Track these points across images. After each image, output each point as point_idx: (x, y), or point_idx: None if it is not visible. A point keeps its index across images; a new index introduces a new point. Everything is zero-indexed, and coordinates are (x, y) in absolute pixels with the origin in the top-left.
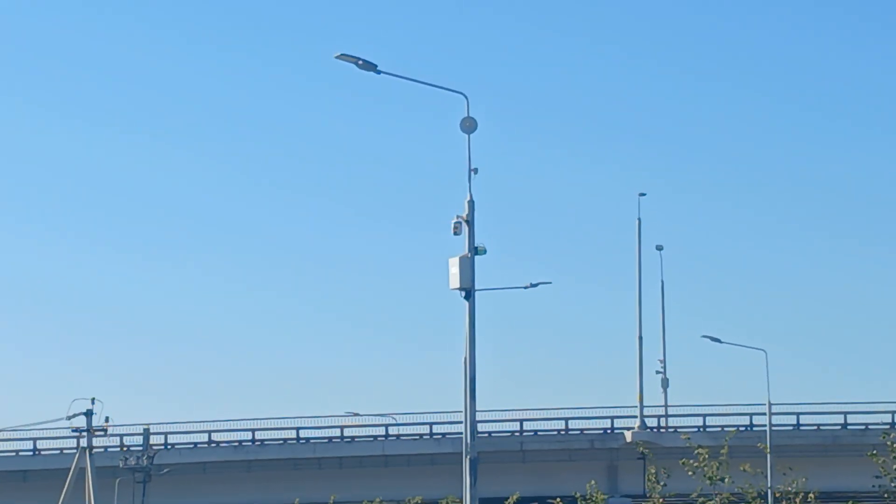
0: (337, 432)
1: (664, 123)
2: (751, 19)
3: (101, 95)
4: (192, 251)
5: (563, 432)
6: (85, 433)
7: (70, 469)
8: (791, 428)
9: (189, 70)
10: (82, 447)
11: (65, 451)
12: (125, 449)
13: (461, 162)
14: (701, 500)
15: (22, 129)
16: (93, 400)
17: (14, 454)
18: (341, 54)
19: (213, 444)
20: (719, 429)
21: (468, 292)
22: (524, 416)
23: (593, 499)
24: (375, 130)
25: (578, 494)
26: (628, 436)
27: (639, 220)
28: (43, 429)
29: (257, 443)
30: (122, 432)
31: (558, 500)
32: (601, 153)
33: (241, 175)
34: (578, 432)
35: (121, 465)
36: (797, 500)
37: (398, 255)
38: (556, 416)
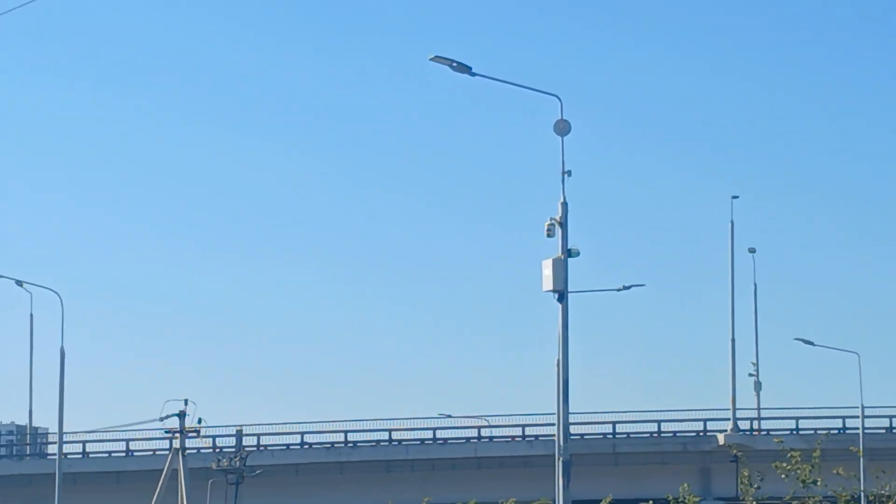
0: (430, 434)
1: (758, 125)
2: (851, 26)
3: (211, 97)
4: (288, 252)
5: (655, 435)
6: (178, 434)
7: (163, 470)
8: (884, 431)
9: (287, 72)
10: (175, 448)
11: (157, 453)
12: (218, 450)
13: (554, 164)
14: (794, 503)
15: (129, 130)
16: (186, 401)
17: (107, 455)
18: (436, 56)
19: (305, 446)
20: (812, 432)
21: (561, 294)
22: (617, 419)
23: (686, 502)
24: (469, 132)
25: (671, 497)
26: (721, 438)
27: (732, 222)
28: (136, 430)
29: (350, 444)
30: (214, 433)
31: (651, 502)
32: (694, 155)
33: (339, 176)
34: (671, 435)
35: (213, 467)
36: None
37: (491, 257)
38: (648, 418)
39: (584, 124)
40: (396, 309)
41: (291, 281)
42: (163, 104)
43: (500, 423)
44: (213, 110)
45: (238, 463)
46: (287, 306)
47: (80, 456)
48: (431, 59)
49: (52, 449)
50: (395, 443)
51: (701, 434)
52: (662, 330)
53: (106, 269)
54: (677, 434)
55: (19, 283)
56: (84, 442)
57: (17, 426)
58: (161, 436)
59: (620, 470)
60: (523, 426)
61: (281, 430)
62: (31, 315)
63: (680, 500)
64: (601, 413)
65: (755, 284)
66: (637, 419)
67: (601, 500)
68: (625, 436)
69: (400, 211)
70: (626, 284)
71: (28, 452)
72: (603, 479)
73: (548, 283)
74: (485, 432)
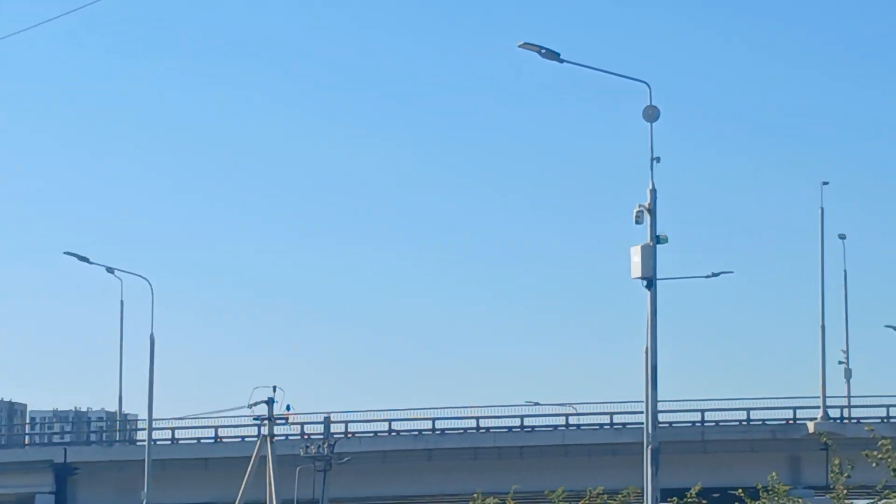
0: (517, 422)
1: (848, 112)
2: None
3: (312, 89)
4: (380, 239)
5: (744, 423)
6: (266, 421)
7: (251, 457)
8: None
9: (381, 64)
10: (263, 435)
11: (246, 440)
12: (306, 437)
13: (642, 151)
14: (885, 492)
15: (227, 118)
16: (274, 388)
17: (196, 442)
18: (524, 43)
19: (393, 433)
20: None
21: (650, 281)
22: (705, 407)
23: (775, 490)
24: (557, 120)
25: (760, 486)
26: (811, 426)
27: (821, 208)
28: (225, 416)
29: (437, 432)
30: (302, 421)
31: (740, 490)
32: (784, 141)
33: (431, 165)
34: (760, 423)
35: (301, 454)
36: None
37: (579, 244)
38: (737, 406)
39: (673, 110)
40: (484, 297)
41: (382, 268)
42: (267, 95)
43: (588, 411)
44: (311, 100)
45: (326, 450)
46: (377, 293)
47: (169, 442)
48: (520, 47)
49: (142, 435)
50: (483, 430)
51: (790, 422)
52: (751, 317)
53: (195, 256)
54: (766, 422)
55: (110, 270)
56: (173, 429)
57: (107, 412)
58: (250, 423)
59: (709, 458)
60: (611, 414)
61: (369, 418)
62: (122, 302)
63: (769, 488)
64: (690, 401)
65: (845, 271)
66: (726, 407)
67: (690, 489)
68: (713, 424)
69: (489, 200)
70: (715, 271)
71: (117, 439)
72: (691, 468)
73: (636, 269)
74: (572, 420)
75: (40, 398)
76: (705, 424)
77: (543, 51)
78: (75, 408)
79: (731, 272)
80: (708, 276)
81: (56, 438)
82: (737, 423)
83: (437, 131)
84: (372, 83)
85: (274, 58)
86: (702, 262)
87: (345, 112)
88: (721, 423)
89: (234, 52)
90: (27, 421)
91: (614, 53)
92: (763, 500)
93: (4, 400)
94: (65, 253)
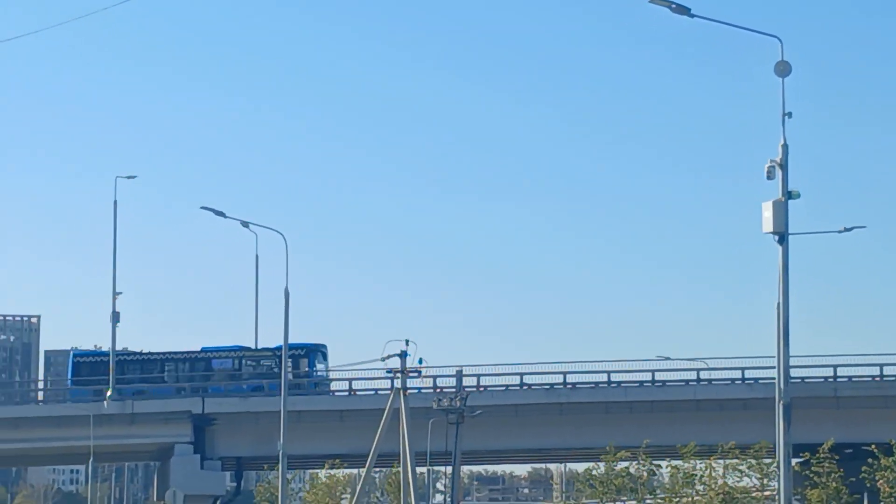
0: (648, 376)
1: None
2: None
3: (453, 46)
4: (515, 194)
5: (877, 378)
6: (400, 374)
7: (385, 410)
8: None
9: (508, 19)
10: (397, 388)
11: (379, 392)
12: (438, 391)
13: (774, 106)
14: None
15: (368, 70)
16: (407, 342)
17: (331, 394)
18: None
19: (525, 387)
20: None
21: (781, 236)
22: (838, 363)
23: None
24: (687, 75)
25: (894, 442)
26: None
27: None
28: (359, 370)
29: (569, 385)
30: (435, 374)
31: (873, 446)
32: None
33: (562, 122)
34: (894, 378)
35: (434, 407)
36: None
37: (710, 199)
38: (870, 361)
39: (805, 65)
40: (616, 252)
41: (517, 224)
42: (414, 49)
43: (720, 366)
44: (459, 58)
45: (458, 403)
46: (510, 247)
47: (305, 395)
48: (650, 1)
49: None
50: (614, 385)
51: None
52: (885, 272)
53: (330, 210)
54: None
55: (245, 224)
56: (309, 381)
57: None
58: (383, 376)
59: (842, 414)
60: (743, 369)
61: (500, 372)
62: (257, 256)
63: None
64: (822, 356)
65: None
66: (859, 363)
67: (822, 444)
68: (846, 379)
69: (620, 155)
70: (847, 226)
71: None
72: (824, 423)
73: (768, 224)
74: (704, 375)
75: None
76: (838, 380)
77: (674, 5)
78: None
79: (864, 227)
80: (840, 231)
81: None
82: (869, 378)
83: (568, 89)
84: (514, 41)
85: (421, 14)
86: (835, 217)
87: (489, 71)
88: (854, 379)
89: (382, 5)
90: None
91: (745, 8)
92: None
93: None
94: (202, 208)
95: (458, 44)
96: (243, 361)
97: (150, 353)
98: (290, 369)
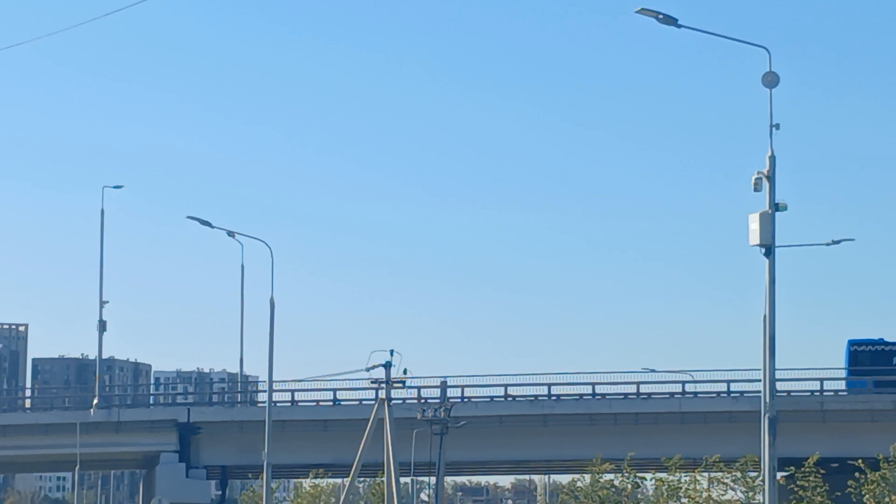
0: (633, 388)
1: None
2: None
3: (462, 55)
4: (499, 199)
5: (864, 392)
6: (384, 385)
7: (369, 420)
8: None
9: (506, 26)
10: (381, 399)
11: (364, 402)
12: (423, 401)
13: (761, 117)
14: None
15: (374, 84)
16: (392, 352)
17: (315, 404)
18: (642, 9)
19: (509, 398)
20: None
21: (768, 249)
22: (825, 376)
23: None
24: (674, 85)
25: (881, 456)
26: None
27: None
28: (343, 380)
29: (553, 397)
30: (419, 384)
31: (860, 461)
32: None
33: (556, 125)
34: (881, 392)
35: (418, 417)
36: None
37: (696, 209)
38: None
39: (793, 76)
40: (602, 262)
41: (501, 229)
42: (398, 55)
43: (705, 379)
44: (449, 60)
45: (443, 414)
46: (494, 255)
47: (289, 404)
48: (637, 12)
49: (262, 397)
50: (599, 396)
51: None
52: (873, 285)
53: (315, 220)
54: (888, 392)
55: (230, 233)
56: (293, 391)
57: (229, 374)
58: (367, 386)
59: (828, 427)
60: (728, 381)
61: (485, 383)
62: (242, 266)
63: (891, 459)
64: (809, 369)
65: None
66: (845, 377)
67: (808, 458)
68: (832, 393)
69: (606, 162)
70: (836, 239)
71: (239, 400)
72: (810, 437)
73: (754, 237)
74: (689, 387)
75: (164, 359)
76: (824, 393)
77: (661, 16)
78: (198, 369)
79: (853, 239)
80: (828, 244)
81: (179, 399)
82: (857, 392)
83: (561, 94)
84: (508, 46)
85: (416, 18)
86: (823, 229)
87: (481, 75)
88: (840, 393)
89: (365, 8)
90: (152, 381)
91: (736, 19)
92: (884, 471)
93: (130, 361)
94: (188, 217)
95: (455, 50)
96: None
97: None
98: None
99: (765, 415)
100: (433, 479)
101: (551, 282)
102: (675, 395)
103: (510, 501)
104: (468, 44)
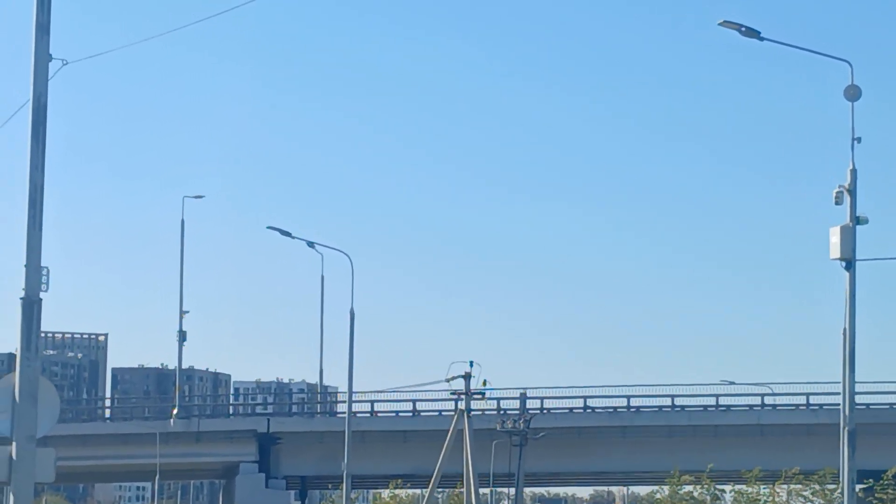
0: (712, 401)
1: None
2: None
3: (530, 51)
4: (583, 200)
5: None
6: (463, 396)
7: (448, 431)
8: None
9: (590, 30)
10: (461, 410)
11: (443, 413)
12: (502, 412)
13: (843, 130)
14: None
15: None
16: (471, 363)
17: (394, 415)
18: (725, 21)
19: (588, 410)
20: None
21: (849, 263)
22: None
23: None
24: (756, 97)
25: None
26: None
27: None
28: (423, 391)
29: (632, 409)
30: (499, 396)
31: None
32: None
33: (633, 127)
34: None
35: (497, 428)
36: None
37: (777, 222)
38: None
39: (875, 90)
40: (680, 275)
41: (588, 232)
42: (483, 48)
43: (784, 391)
44: (517, 57)
45: (522, 425)
46: (580, 258)
47: (369, 415)
48: (720, 24)
49: (342, 408)
50: (678, 408)
51: None
52: None
53: (395, 231)
54: None
55: (311, 244)
56: (372, 402)
57: (308, 384)
58: (447, 397)
59: None
60: (808, 394)
61: (564, 394)
62: (322, 276)
63: None
64: (889, 382)
65: None
66: None
67: (887, 471)
68: None
69: (689, 172)
70: None
71: (318, 410)
72: (889, 450)
73: (835, 251)
74: (768, 400)
75: (243, 370)
76: None
77: (744, 29)
78: (277, 379)
79: None
80: None
81: (259, 409)
82: None
83: (635, 96)
84: (595, 53)
85: (489, 14)
86: None
87: (567, 79)
88: None
89: (443, 9)
90: (231, 391)
91: (818, 32)
92: None
93: (209, 371)
94: (268, 227)
95: (526, 47)
96: None
97: None
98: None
99: (844, 427)
100: (512, 490)
101: (631, 291)
102: (755, 408)
103: None
104: (553, 46)
